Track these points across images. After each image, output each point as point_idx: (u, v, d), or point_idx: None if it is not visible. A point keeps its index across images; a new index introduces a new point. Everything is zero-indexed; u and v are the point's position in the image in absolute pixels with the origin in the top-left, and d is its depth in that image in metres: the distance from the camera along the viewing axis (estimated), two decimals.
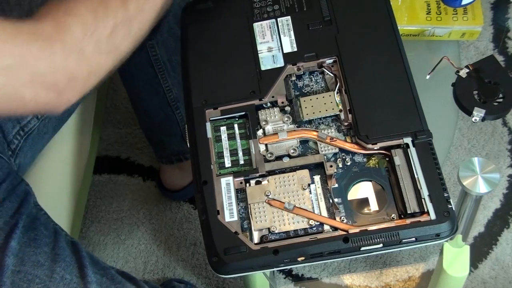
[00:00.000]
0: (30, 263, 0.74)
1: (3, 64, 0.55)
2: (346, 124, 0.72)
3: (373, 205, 0.69)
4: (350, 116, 0.72)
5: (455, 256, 0.84)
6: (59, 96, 0.59)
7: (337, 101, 0.74)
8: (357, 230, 0.65)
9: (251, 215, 0.68)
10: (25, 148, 0.87)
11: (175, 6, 0.97)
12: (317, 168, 0.71)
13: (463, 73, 0.85)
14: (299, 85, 0.77)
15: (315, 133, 0.72)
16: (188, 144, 0.74)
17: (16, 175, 0.82)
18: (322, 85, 0.76)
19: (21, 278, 0.73)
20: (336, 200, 0.68)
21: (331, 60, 0.76)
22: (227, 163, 0.72)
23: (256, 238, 0.68)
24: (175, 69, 1.06)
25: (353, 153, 0.71)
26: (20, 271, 0.73)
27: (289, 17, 0.80)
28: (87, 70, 0.60)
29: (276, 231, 0.67)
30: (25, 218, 0.78)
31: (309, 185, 0.69)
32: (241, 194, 0.70)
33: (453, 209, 0.66)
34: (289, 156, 0.71)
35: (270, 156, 0.71)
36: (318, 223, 0.67)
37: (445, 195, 0.66)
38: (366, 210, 0.68)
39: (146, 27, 0.66)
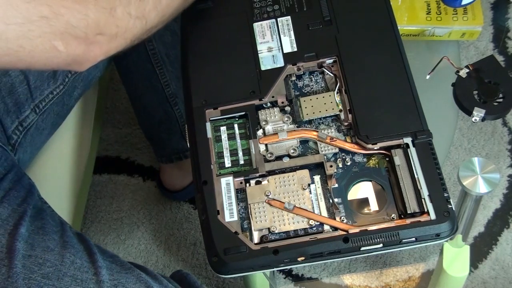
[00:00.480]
0: (40, 248, 0.75)
1: (40, 15, 0.58)
2: (346, 124, 0.72)
3: (373, 205, 0.69)
4: (350, 116, 0.72)
5: (455, 256, 0.85)
6: (87, 49, 0.62)
7: (337, 101, 0.74)
8: (357, 230, 0.65)
9: (251, 215, 0.68)
10: (24, 143, 0.88)
11: None
12: (317, 168, 0.71)
13: (463, 73, 0.85)
14: (299, 85, 0.77)
15: (315, 133, 0.72)
16: (188, 144, 0.74)
17: (19, 168, 0.83)
18: (322, 85, 0.76)
19: (32, 262, 0.73)
20: (336, 200, 0.68)
21: (331, 60, 0.76)
22: (227, 163, 0.72)
23: (256, 238, 0.68)
24: (172, 64, 1.06)
25: (353, 153, 0.71)
26: (31, 256, 0.74)
27: (289, 17, 0.80)
28: (115, 29, 0.63)
29: (276, 231, 0.67)
30: (32, 208, 0.78)
31: (309, 185, 0.69)
32: (241, 194, 0.70)
33: (453, 209, 0.66)
34: (289, 156, 0.71)
35: (270, 156, 0.71)
36: (318, 223, 0.67)
37: (445, 195, 0.66)
38: (366, 210, 0.68)
39: (174, 5, 0.70)
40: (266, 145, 0.72)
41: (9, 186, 0.79)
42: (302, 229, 0.67)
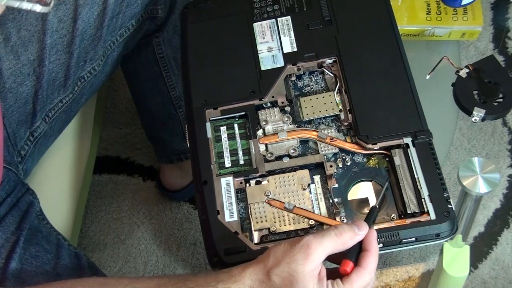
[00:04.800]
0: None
1: None
2: (346, 124, 0.72)
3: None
4: (350, 116, 0.72)
5: (455, 256, 0.84)
6: None
7: (337, 101, 0.74)
8: None
9: (251, 215, 0.68)
10: (34, 153, 0.87)
11: (180, 4, 0.97)
12: (317, 168, 0.71)
13: (463, 73, 0.85)
14: (299, 85, 0.77)
15: (315, 133, 0.72)
16: (188, 144, 0.74)
17: (22, 185, 0.82)
18: (322, 85, 0.76)
19: None
20: (336, 200, 0.68)
21: (331, 60, 0.76)
22: (227, 163, 0.72)
23: (256, 238, 0.68)
24: (179, 67, 1.06)
25: (353, 153, 0.71)
26: None
27: (289, 17, 0.80)
28: None
29: (276, 231, 0.67)
30: (27, 232, 0.77)
31: (309, 185, 0.69)
32: (241, 194, 0.70)
33: (453, 209, 0.66)
34: (289, 156, 0.71)
35: (270, 156, 0.71)
36: (318, 223, 0.67)
37: (445, 195, 0.66)
38: (366, 210, 0.68)
39: None
40: (266, 145, 0.72)
41: (5, 211, 0.77)
42: (302, 229, 0.67)
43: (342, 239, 0.59)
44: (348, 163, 0.71)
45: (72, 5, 0.84)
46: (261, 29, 0.79)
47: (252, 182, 0.70)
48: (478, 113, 0.82)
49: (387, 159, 0.70)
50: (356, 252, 0.61)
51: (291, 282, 0.57)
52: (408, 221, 0.66)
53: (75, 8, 0.84)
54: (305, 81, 0.77)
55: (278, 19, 0.80)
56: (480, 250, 1.19)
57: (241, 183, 0.70)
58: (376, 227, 0.65)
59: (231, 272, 0.60)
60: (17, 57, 0.82)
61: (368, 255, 0.60)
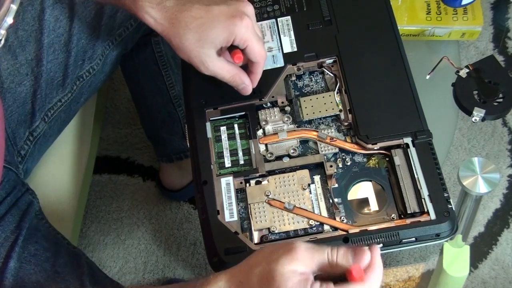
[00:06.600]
0: (30, 284, 0.74)
1: None
2: (346, 124, 0.72)
3: (373, 205, 0.69)
4: (350, 116, 0.72)
5: (455, 256, 0.84)
6: None
7: (337, 101, 0.74)
8: (357, 230, 0.65)
9: (251, 215, 0.68)
10: (34, 152, 0.87)
11: None
12: (317, 168, 0.71)
13: (463, 73, 0.85)
14: (299, 85, 0.77)
15: (315, 133, 0.72)
16: (188, 144, 0.74)
17: (22, 185, 0.82)
18: (322, 85, 0.76)
19: None
20: (336, 200, 0.68)
21: (331, 60, 0.76)
22: (227, 163, 0.72)
23: (256, 238, 0.68)
24: (178, 66, 1.06)
25: (353, 153, 0.71)
26: None
27: (289, 17, 0.80)
28: None
29: (276, 231, 0.67)
30: (26, 231, 0.77)
31: (309, 185, 0.69)
32: (241, 194, 0.70)
33: (453, 209, 0.66)
34: (289, 156, 0.71)
35: (270, 156, 0.71)
36: (318, 223, 0.67)
37: (445, 195, 0.66)
38: (366, 210, 0.68)
39: None
40: (266, 145, 0.72)
41: (5, 210, 0.77)
42: (302, 229, 0.67)
43: (332, 260, 0.55)
44: (348, 163, 0.71)
45: (68, 4, 0.84)
46: (261, 29, 0.79)
47: (252, 182, 0.70)
48: (478, 113, 0.82)
49: (387, 159, 0.70)
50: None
51: (268, 279, 0.53)
52: (408, 221, 0.66)
53: (71, 7, 0.84)
54: (305, 81, 0.77)
55: (278, 19, 0.80)
56: (480, 250, 1.19)
57: (241, 183, 0.70)
58: (376, 227, 0.65)
59: (208, 279, 0.57)
60: (15, 57, 0.82)
61: (369, 270, 0.55)
